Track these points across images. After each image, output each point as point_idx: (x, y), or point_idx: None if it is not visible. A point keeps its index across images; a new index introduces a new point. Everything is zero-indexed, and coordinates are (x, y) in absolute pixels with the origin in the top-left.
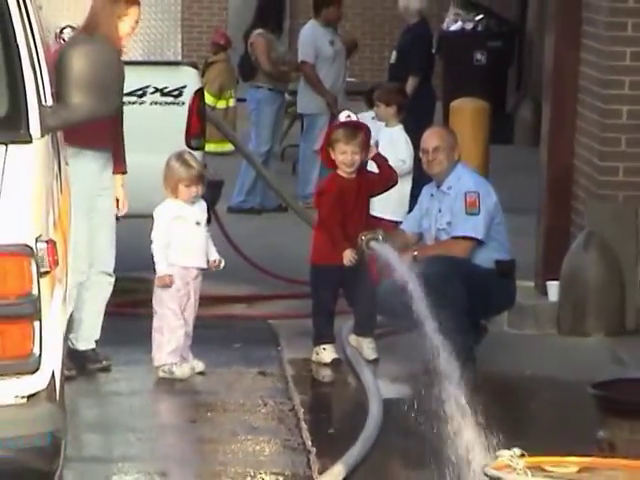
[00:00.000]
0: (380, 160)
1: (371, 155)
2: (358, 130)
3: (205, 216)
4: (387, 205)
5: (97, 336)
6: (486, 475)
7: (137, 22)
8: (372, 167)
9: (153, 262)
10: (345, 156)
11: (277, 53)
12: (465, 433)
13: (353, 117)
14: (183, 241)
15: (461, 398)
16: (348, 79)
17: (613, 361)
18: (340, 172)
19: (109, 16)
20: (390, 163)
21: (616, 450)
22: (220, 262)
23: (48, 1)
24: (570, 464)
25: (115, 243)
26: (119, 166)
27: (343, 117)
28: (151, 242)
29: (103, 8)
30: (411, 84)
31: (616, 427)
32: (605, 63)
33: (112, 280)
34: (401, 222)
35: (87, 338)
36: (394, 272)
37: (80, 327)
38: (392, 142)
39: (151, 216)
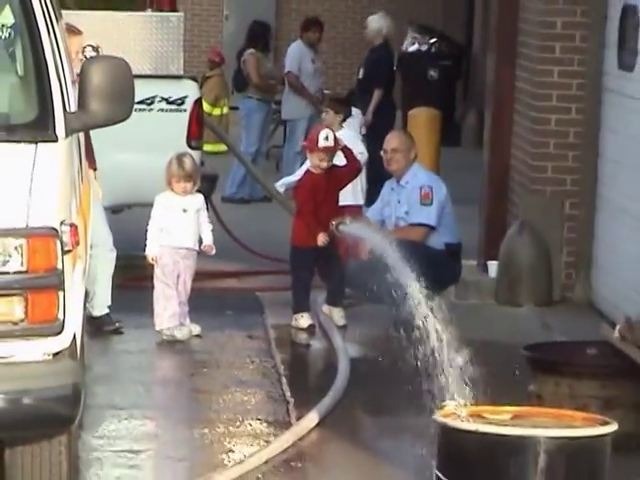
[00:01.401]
0: (347, 152)
1: (339, 147)
2: (335, 147)
3: (195, 206)
4: (344, 193)
5: (109, 303)
6: (435, 421)
7: (77, 52)
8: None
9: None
10: (322, 162)
11: (265, 69)
12: (421, 384)
13: (330, 136)
14: (172, 226)
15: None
16: (325, 91)
17: (541, 327)
18: (313, 169)
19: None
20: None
21: (543, 401)
22: (212, 248)
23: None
24: (505, 412)
25: (108, 224)
26: (92, 163)
27: (322, 139)
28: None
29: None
30: (376, 96)
31: (543, 382)
32: (536, 79)
33: (114, 255)
34: (362, 205)
35: (101, 305)
36: (363, 241)
37: (94, 297)
38: (349, 143)
39: None
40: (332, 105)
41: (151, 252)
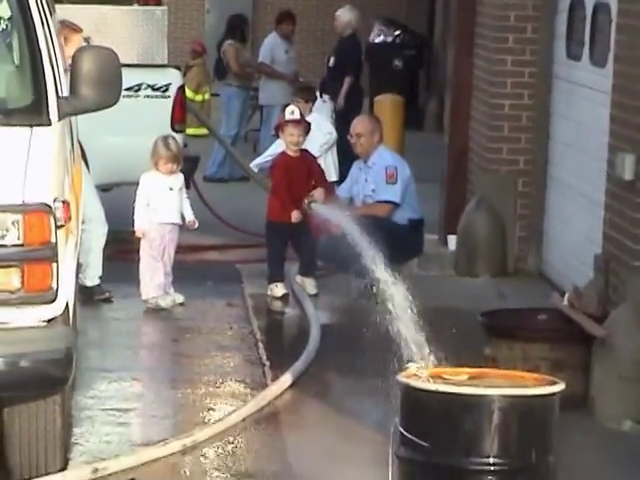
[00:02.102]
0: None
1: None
2: (301, 120)
3: (178, 184)
4: None
5: (100, 274)
6: (398, 382)
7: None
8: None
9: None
10: (292, 138)
11: (243, 58)
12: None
13: (296, 111)
14: (159, 203)
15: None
16: (300, 79)
17: (497, 296)
18: (287, 151)
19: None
20: (322, 138)
21: (497, 363)
22: (194, 222)
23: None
24: (463, 373)
25: (99, 201)
26: None
27: (288, 113)
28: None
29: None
30: (347, 82)
31: (497, 346)
32: (492, 68)
33: (106, 230)
34: (334, 181)
35: (93, 276)
36: (332, 217)
37: (87, 269)
38: (318, 125)
39: None
40: (300, 94)
41: (140, 227)
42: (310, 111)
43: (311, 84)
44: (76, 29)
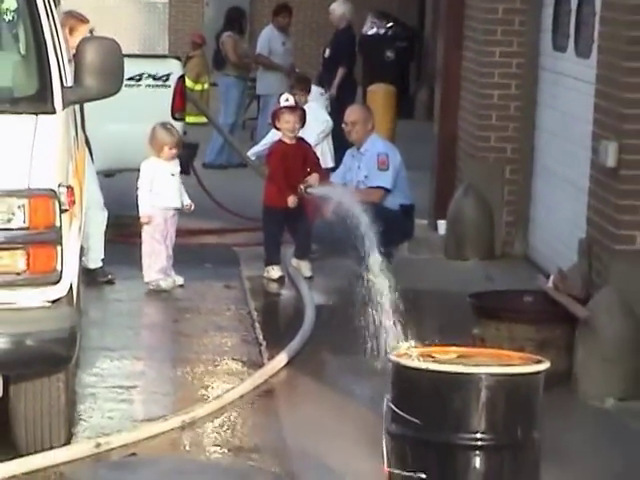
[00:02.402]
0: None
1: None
2: (297, 106)
3: (177, 170)
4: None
5: (102, 256)
6: (389, 360)
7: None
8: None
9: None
10: (288, 125)
11: (241, 50)
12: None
13: (290, 99)
14: (161, 188)
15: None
16: (296, 70)
17: (484, 278)
18: (284, 138)
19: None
20: (319, 126)
21: (485, 342)
22: (191, 206)
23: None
24: (452, 352)
25: (99, 187)
26: None
27: (283, 100)
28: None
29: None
30: (340, 73)
31: (485, 326)
32: (480, 59)
33: (106, 214)
34: (329, 168)
35: (95, 259)
36: (327, 202)
37: (89, 252)
38: (315, 113)
39: None
40: (298, 85)
41: (145, 213)
42: (306, 101)
43: (307, 75)
44: (83, 20)
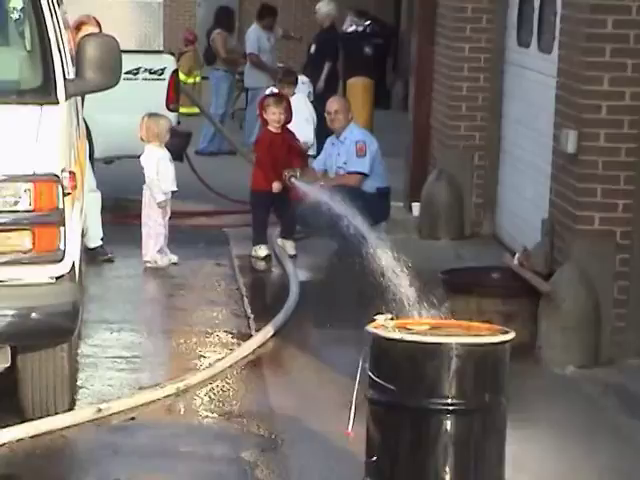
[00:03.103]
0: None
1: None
2: (282, 98)
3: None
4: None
5: (101, 235)
6: (367, 332)
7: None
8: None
9: (142, 189)
10: (274, 116)
11: (230, 46)
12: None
13: (274, 90)
14: (163, 173)
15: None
16: (278, 64)
17: (455, 256)
18: (270, 127)
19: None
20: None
21: (455, 315)
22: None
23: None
24: (425, 324)
25: (92, 171)
26: None
27: (268, 92)
28: (141, 174)
29: None
30: (327, 67)
31: (456, 300)
32: (452, 54)
33: (99, 195)
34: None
35: (94, 238)
36: (309, 187)
37: (88, 232)
38: (300, 102)
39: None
40: (286, 78)
41: (160, 199)
42: (293, 93)
43: (292, 68)
44: (89, 22)
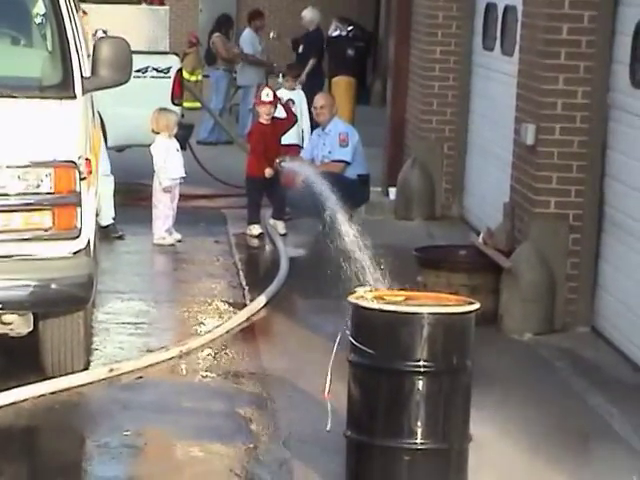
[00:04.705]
0: (286, 107)
1: (279, 101)
2: (274, 101)
3: (178, 146)
4: (290, 137)
5: (113, 215)
6: (348, 302)
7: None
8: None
9: (153, 174)
10: (265, 109)
11: (232, 49)
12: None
13: (270, 93)
14: (171, 162)
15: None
16: (274, 64)
17: (427, 235)
18: (262, 120)
19: None
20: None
21: (427, 288)
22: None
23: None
24: (400, 295)
25: (108, 157)
26: None
27: (264, 96)
28: (152, 162)
29: None
30: (310, 63)
31: (427, 274)
32: (425, 56)
33: (112, 179)
34: (298, 145)
35: (107, 217)
36: (297, 173)
37: (101, 211)
38: (302, 101)
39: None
40: (290, 72)
41: (167, 183)
42: (294, 87)
43: (296, 64)
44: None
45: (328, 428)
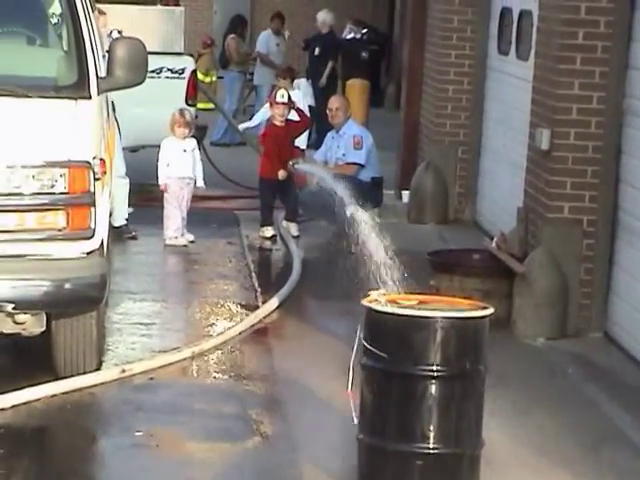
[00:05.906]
0: (299, 112)
1: (293, 105)
2: (288, 102)
3: (191, 147)
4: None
5: (126, 216)
6: (362, 305)
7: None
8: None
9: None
10: (279, 110)
11: (242, 49)
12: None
13: (285, 94)
14: (176, 161)
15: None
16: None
17: (439, 239)
18: (275, 122)
19: None
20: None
21: (440, 292)
22: (203, 189)
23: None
24: (413, 299)
25: (124, 158)
26: None
27: (279, 97)
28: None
29: None
30: (329, 66)
31: (440, 278)
32: (439, 60)
33: (127, 181)
34: (304, 148)
35: (120, 218)
36: (312, 175)
37: (114, 212)
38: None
39: None
40: (281, 74)
41: (162, 182)
42: (292, 86)
43: (291, 66)
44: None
45: (355, 422)
